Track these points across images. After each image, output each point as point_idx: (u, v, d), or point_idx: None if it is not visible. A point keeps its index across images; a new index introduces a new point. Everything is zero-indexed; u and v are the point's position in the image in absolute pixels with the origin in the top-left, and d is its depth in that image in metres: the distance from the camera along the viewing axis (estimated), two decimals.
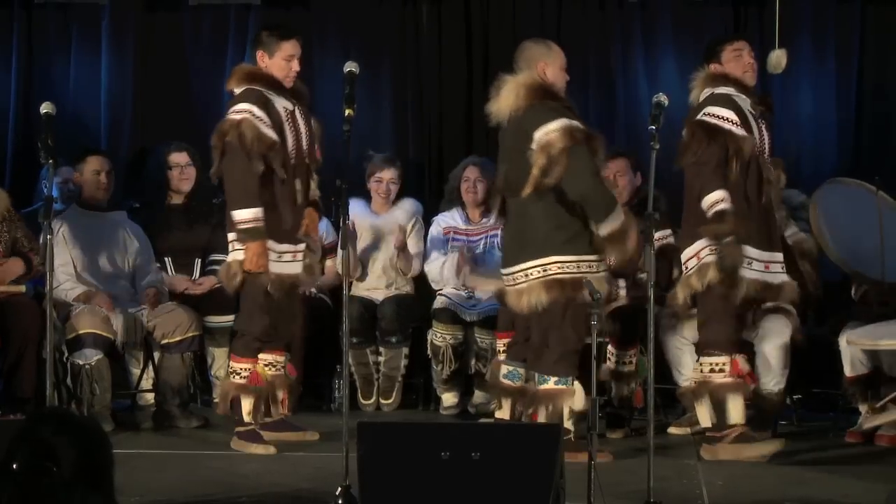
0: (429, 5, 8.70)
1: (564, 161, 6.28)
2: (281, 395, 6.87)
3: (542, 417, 6.41)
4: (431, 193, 8.54)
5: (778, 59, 6.76)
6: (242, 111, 6.51)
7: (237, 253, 6.58)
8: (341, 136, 5.72)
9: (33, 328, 7.08)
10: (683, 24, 8.57)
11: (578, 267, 6.38)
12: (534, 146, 6.35)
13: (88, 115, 8.75)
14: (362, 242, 8.00)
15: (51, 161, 5.99)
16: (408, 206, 8.17)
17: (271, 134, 6.51)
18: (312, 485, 5.99)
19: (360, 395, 7.95)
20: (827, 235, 6.93)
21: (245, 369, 6.70)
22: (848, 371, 6.95)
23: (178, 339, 7.39)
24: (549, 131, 6.33)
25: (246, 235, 6.48)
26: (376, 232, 8.07)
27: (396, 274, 8.10)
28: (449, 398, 7.81)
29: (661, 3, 8.55)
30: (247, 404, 6.68)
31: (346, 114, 5.76)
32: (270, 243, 6.55)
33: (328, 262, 8.06)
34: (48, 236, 5.80)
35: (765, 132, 6.62)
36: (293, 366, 7.02)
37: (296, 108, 6.68)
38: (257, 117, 6.50)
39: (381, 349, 7.96)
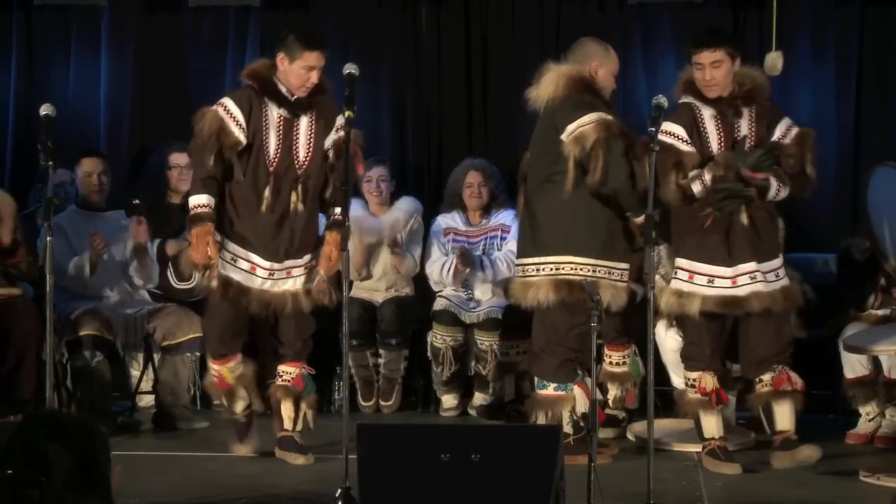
0: (428, 7, 8.71)
1: (601, 153, 6.28)
2: (285, 409, 6.66)
3: (541, 423, 6.40)
4: (431, 195, 8.54)
5: (774, 61, 6.75)
6: (219, 103, 6.43)
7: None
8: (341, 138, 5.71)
9: (33, 330, 7.08)
10: (682, 26, 8.57)
11: (594, 271, 6.37)
12: (564, 137, 6.36)
13: (88, 117, 8.75)
14: (359, 247, 7.99)
15: (50, 163, 5.99)
16: (405, 204, 8.17)
17: (236, 132, 6.36)
18: (312, 486, 5.99)
19: (359, 396, 7.95)
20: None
21: (216, 371, 6.65)
22: (848, 373, 6.95)
23: (178, 340, 7.40)
24: (583, 124, 6.34)
25: (190, 220, 6.39)
26: (376, 233, 8.06)
27: (396, 276, 8.11)
28: (449, 400, 7.81)
29: (660, 4, 8.55)
30: (226, 401, 6.69)
31: (346, 115, 5.75)
32: (237, 249, 6.43)
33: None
34: (48, 237, 5.80)
35: (741, 128, 6.40)
36: (301, 379, 6.74)
37: (298, 118, 6.46)
38: (229, 112, 6.37)
39: (381, 351, 7.96)
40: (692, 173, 6.28)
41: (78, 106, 8.71)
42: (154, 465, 6.50)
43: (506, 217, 8.00)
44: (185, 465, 6.50)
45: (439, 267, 7.96)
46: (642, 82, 8.53)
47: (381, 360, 7.96)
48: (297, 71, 6.39)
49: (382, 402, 7.95)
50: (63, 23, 8.80)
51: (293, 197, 6.46)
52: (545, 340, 6.47)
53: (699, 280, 6.35)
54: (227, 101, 6.43)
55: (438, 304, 7.93)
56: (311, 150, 6.48)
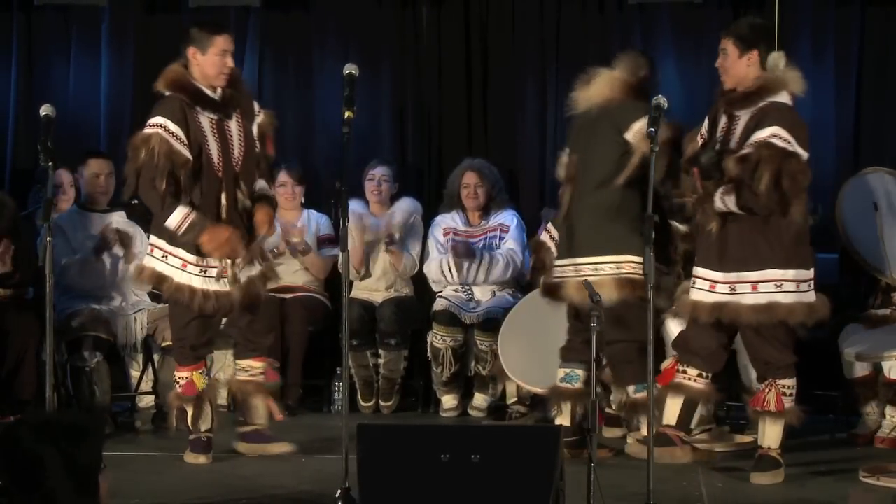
0: (428, 7, 8.71)
1: (666, 152, 6.30)
2: (256, 403, 6.69)
3: (645, 425, 6.40)
4: (431, 195, 8.54)
5: (775, 61, 6.74)
6: (156, 125, 6.33)
7: (149, 259, 6.45)
8: (341, 139, 5.71)
9: (33, 330, 7.08)
10: (682, 27, 8.58)
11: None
12: (630, 136, 6.40)
13: (88, 117, 8.76)
14: (359, 245, 7.99)
15: (50, 163, 5.98)
16: (405, 204, 8.18)
17: (184, 151, 6.32)
18: (312, 487, 5.99)
19: (359, 397, 7.95)
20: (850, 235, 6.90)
21: (183, 378, 6.56)
22: (848, 373, 6.95)
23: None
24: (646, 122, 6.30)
25: (188, 234, 6.31)
26: (376, 233, 8.07)
27: (396, 275, 8.11)
28: (448, 400, 7.81)
29: (660, 5, 8.55)
30: (190, 413, 6.56)
31: (346, 116, 5.73)
32: (186, 254, 6.38)
33: (325, 255, 8.11)
34: (48, 238, 5.80)
35: (736, 128, 6.30)
36: (273, 372, 6.81)
37: (224, 117, 6.47)
38: (171, 133, 6.31)
39: (381, 351, 7.96)
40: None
41: (78, 106, 8.72)
42: (154, 465, 6.50)
43: (505, 217, 8.02)
44: (185, 466, 6.50)
45: (437, 266, 7.97)
46: None
47: (380, 361, 7.96)
48: (212, 59, 6.43)
49: (382, 403, 7.95)
50: (63, 23, 8.80)
51: (239, 195, 6.50)
52: (624, 344, 6.48)
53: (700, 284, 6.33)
54: (165, 122, 6.33)
55: (438, 305, 7.93)
56: (243, 146, 6.53)
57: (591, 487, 4.97)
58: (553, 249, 6.72)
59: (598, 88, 6.55)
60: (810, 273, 6.17)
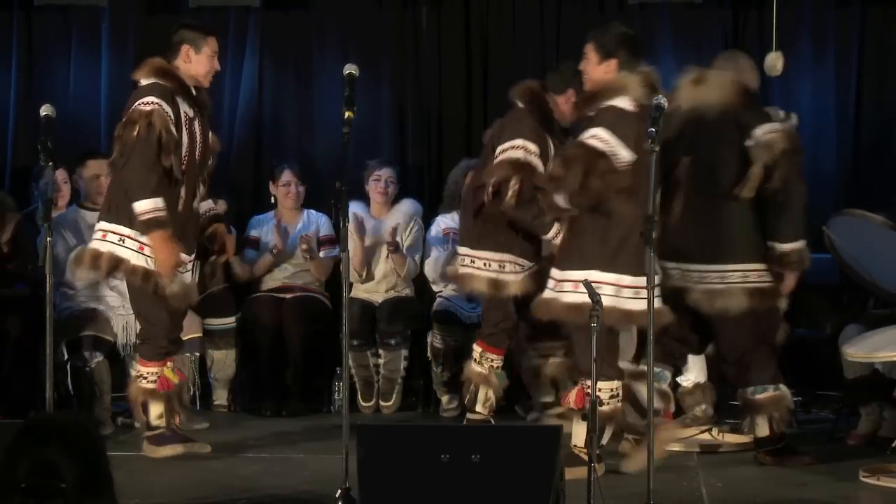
0: (428, 8, 8.71)
1: (784, 165, 6.28)
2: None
3: (763, 427, 6.46)
4: (431, 196, 8.54)
5: (774, 61, 6.75)
6: (152, 103, 6.35)
7: (103, 244, 6.42)
8: (341, 139, 5.71)
9: (33, 330, 7.08)
10: (683, 27, 8.58)
11: (770, 276, 6.40)
12: (752, 142, 6.33)
13: (88, 118, 8.75)
14: (360, 247, 7.99)
15: (50, 163, 5.99)
16: (406, 207, 8.18)
17: (175, 133, 6.37)
18: (312, 487, 5.99)
19: (359, 397, 7.95)
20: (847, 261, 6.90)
21: (152, 373, 6.54)
22: (848, 373, 6.96)
23: (186, 337, 7.39)
24: (772, 130, 6.35)
25: (147, 226, 6.30)
26: (376, 235, 8.07)
27: (397, 278, 8.11)
28: (448, 400, 7.81)
29: (660, 5, 8.55)
30: (156, 409, 6.55)
31: (346, 116, 5.73)
32: (144, 238, 6.37)
33: (326, 256, 8.14)
34: (48, 238, 5.80)
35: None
36: (181, 372, 6.82)
37: (197, 116, 6.52)
38: (167, 113, 6.36)
39: (381, 351, 7.96)
40: None
41: (78, 106, 8.72)
42: (154, 465, 6.50)
43: None
44: (185, 466, 6.49)
45: (433, 263, 7.96)
46: None
47: (381, 361, 7.96)
48: (205, 59, 6.50)
49: (382, 403, 7.95)
50: (63, 23, 8.80)
51: (200, 191, 6.56)
52: (747, 346, 6.46)
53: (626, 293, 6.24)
54: (160, 101, 6.36)
55: (438, 305, 7.93)
56: (203, 147, 6.57)
57: (591, 487, 4.97)
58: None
59: (715, 90, 6.49)
60: (637, 280, 5.95)
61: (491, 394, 6.97)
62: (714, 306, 6.37)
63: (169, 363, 6.61)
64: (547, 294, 6.21)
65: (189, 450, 6.62)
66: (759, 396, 6.49)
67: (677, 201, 6.47)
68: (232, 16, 8.73)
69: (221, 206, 7.12)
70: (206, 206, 6.77)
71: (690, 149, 6.49)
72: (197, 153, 6.53)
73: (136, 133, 6.31)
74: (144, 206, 6.30)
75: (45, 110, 6.07)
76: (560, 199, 6.12)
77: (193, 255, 6.65)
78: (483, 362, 6.96)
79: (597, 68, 6.23)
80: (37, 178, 7.72)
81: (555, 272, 6.20)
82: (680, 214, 6.44)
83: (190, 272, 6.61)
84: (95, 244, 6.47)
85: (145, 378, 6.56)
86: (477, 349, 7.00)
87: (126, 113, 6.43)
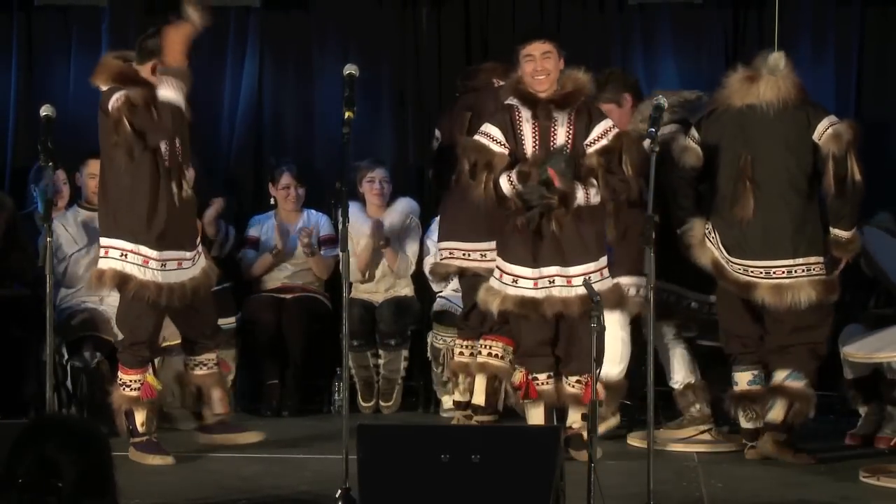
0: (428, 8, 8.70)
1: (851, 155, 6.43)
2: (217, 394, 6.76)
3: (779, 412, 6.54)
4: (431, 195, 8.53)
5: (776, 61, 6.75)
6: (121, 92, 6.30)
7: (106, 262, 6.43)
8: (341, 139, 5.72)
9: (33, 330, 7.08)
10: (683, 27, 8.57)
11: (826, 269, 6.54)
12: (819, 136, 6.47)
13: (88, 118, 8.70)
14: (361, 246, 7.99)
15: (50, 163, 5.99)
16: (402, 205, 8.17)
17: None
18: (312, 487, 5.99)
19: (359, 397, 7.95)
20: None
21: (135, 381, 6.55)
22: (848, 374, 6.96)
23: (178, 341, 7.38)
24: (835, 122, 6.51)
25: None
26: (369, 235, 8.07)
27: (396, 278, 8.11)
28: (449, 400, 7.81)
29: (660, 5, 8.54)
30: (140, 416, 6.54)
31: (346, 116, 5.74)
32: (148, 251, 6.39)
33: (326, 256, 8.11)
34: (48, 238, 5.80)
35: (557, 139, 6.42)
36: (226, 362, 6.90)
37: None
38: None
39: (381, 351, 7.96)
40: (504, 174, 6.37)
41: (78, 106, 8.69)
42: (154, 465, 6.49)
43: None
44: (185, 466, 6.50)
45: (430, 260, 7.96)
46: (643, 83, 8.49)
47: (381, 361, 7.96)
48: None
49: (382, 403, 7.95)
50: (63, 23, 8.79)
51: (185, 185, 6.53)
52: (798, 335, 6.58)
53: (506, 279, 6.47)
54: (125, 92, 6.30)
55: (438, 305, 7.93)
56: (180, 136, 6.52)
57: (591, 487, 4.97)
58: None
59: (772, 87, 6.56)
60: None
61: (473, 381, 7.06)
62: (785, 301, 6.46)
63: (150, 370, 6.63)
64: (555, 291, 6.40)
65: (237, 441, 6.74)
66: (790, 383, 6.56)
67: (747, 198, 6.55)
68: (232, 16, 8.72)
69: (219, 203, 7.10)
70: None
71: (750, 146, 6.57)
72: (177, 146, 6.48)
73: (127, 129, 6.28)
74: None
75: (45, 110, 6.07)
76: (592, 195, 6.38)
77: (198, 241, 6.66)
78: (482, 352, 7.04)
79: (557, 68, 6.49)
80: (36, 179, 7.73)
81: (549, 269, 6.40)
82: (753, 211, 6.53)
83: (195, 263, 6.57)
84: (99, 262, 6.48)
85: (128, 386, 6.56)
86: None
87: (102, 120, 6.39)
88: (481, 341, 7.05)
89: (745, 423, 6.68)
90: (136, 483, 5.87)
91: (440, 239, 7.26)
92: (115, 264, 6.40)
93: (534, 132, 6.45)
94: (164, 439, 6.73)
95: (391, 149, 8.65)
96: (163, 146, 6.40)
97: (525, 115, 6.46)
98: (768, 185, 6.53)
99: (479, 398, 7.02)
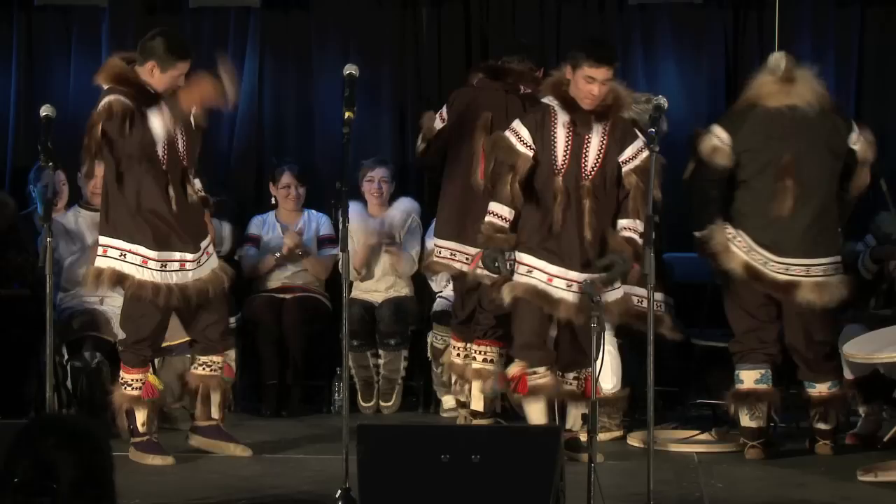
0: (428, 8, 8.70)
1: (875, 165, 6.67)
2: (215, 398, 6.74)
3: (833, 418, 6.72)
4: (431, 195, 8.53)
5: (777, 61, 6.76)
6: (109, 97, 6.32)
7: (103, 260, 6.44)
8: (341, 139, 5.72)
9: (33, 331, 7.08)
10: (683, 27, 8.58)
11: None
12: (855, 143, 6.65)
13: (88, 118, 8.73)
14: (362, 246, 7.99)
15: (50, 163, 5.99)
16: (403, 205, 8.17)
17: (127, 125, 6.30)
18: (312, 487, 5.99)
19: (359, 397, 7.95)
20: None
21: (137, 380, 6.55)
22: (848, 374, 6.95)
23: (178, 341, 7.38)
24: (863, 131, 6.69)
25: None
26: (375, 235, 8.07)
27: (396, 276, 8.11)
28: (449, 401, 7.80)
29: (660, 5, 8.54)
30: (140, 415, 6.54)
31: (346, 116, 5.74)
32: (147, 251, 6.39)
33: (326, 255, 8.11)
34: (48, 238, 5.81)
35: (590, 151, 6.39)
36: (230, 368, 6.86)
37: (167, 112, 6.39)
38: (126, 104, 6.29)
39: (381, 351, 7.96)
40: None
41: (78, 107, 8.68)
42: (154, 465, 6.49)
43: None
44: (185, 466, 6.50)
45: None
46: (642, 83, 8.50)
47: (380, 361, 7.96)
48: (168, 80, 6.41)
49: (382, 403, 7.95)
50: (63, 23, 8.79)
51: (189, 189, 6.52)
52: (826, 337, 6.70)
53: (521, 269, 6.43)
54: (118, 97, 6.29)
55: (438, 305, 7.93)
56: (186, 140, 6.51)
57: (591, 487, 4.97)
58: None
59: (809, 90, 6.64)
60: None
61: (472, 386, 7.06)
62: (824, 299, 6.56)
63: (150, 369, 6.63)
64: (559, 293, 6.37)
65: (221, 450, 6.68)
66: (834, 391, 6.70)
67: (786, 197, 6.60)
68: (232, 16, 8.72)
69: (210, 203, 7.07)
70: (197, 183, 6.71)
71: (792, 146, 6.62)
72: (180, 148, 6.47)
73: (104, 131, 6.29)
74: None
75: (45, 110, 6.06)
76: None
77: (206, 243, 6.62)
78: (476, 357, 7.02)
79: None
80: (36, 179, 7.73)
81: (543, 264, 6.40)
82: (791, 210, 6.60)
83: (201, 264, 6.55)
84: (97, 261, 6.49)
85: (130, 385, 6.56)
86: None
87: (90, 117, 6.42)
88: (474, 346, 7.03)
89: (748, 422, 6.68)
90: (136, 483, 5.87)
91: (436, 235, 7.24)
92: (113, 263, 6.41)
93: (567, 139, 6.40)
94: (165, 439, 6.74)
95: (391, 149, 8.65)
96: (160, 150, 6.39)
97: (562, 118, 6.41)
98: (810, 185, 6.61)
99: (477, 404, 7.02)
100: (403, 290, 8.16)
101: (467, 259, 6.98)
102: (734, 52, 8.51)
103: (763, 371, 6.68)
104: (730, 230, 6.67)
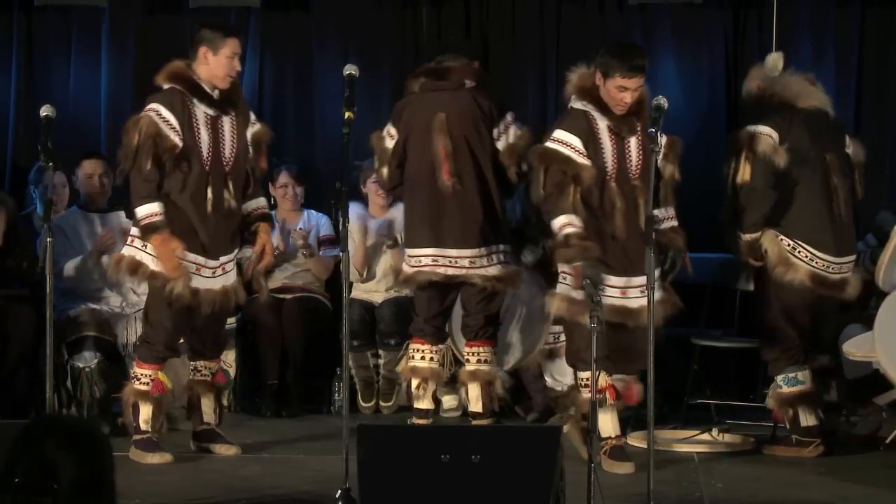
0: (428, 8, 8.70)
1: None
2: (205, 402, 6.74)
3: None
4: None
5: (775, 62, 6.76)
6: (149, 110, 6.42)
7: (128, 249, 6.53)
8: (341, 139, 5.72)
9: (32, 331, 7.08)
10: (683, 27, 8.58)
11: None
12: (847, 146, 6.85)
13: (88, 118, 8.75)
14: (361, 246, 7.99)
15: (50, 164, 5.99)
16: None
17: (173, 137, 6.38)
18: (312, 487, 6.00)
19: (359, 397, 7.95)
20: None
21: (147, 376, 6.57)
22: (847, 373, 6.96)
23: (178, 341, 7.39)
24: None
25: (145, 231, 6.39)
26: (377, 236, 8.07)
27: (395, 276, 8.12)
28: (449, 401, 7.81)
29: (660, 5, 8.55)
30: (145, 412, 6.56)
31: (346, 117, 5.74)
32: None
33: (324, 256, 8.13)
34: (48, 238, 5.81)
35: (631, 151, 6.38)
36: (223, 374, 6.89)
37: (222, 115, 6.52)
38: (162, 118, 6.38)
39: (381, 351, 7.96)
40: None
41: (78, 107, 8.71)
42: (154, 465, 6.50)
43: None
44: (185, 466, 6.50)
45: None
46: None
47: (381, 361, 7.97)
48: (223, 60, 6.48)
49: (382, 403, 7.95)
50: (63, 23, 8.79)
51: (226, 195, 6.52)
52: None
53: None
54: (158, 107, 6.42)
55: None
56: (235, 146, 6.56)
57: (591, 487, 4.97)
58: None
59: (823, 95, 6.85)
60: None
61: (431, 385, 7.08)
62: (848, 294, 6.74)
63: (164, 367, 6.63)
64: (637, 302, 6.32)
65: (215, 450, 6.71)
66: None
67: (840, 197, 6.73)
68: (232, 16, 8.72)
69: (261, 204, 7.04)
70: (255, 204, 6.75)
71: (828, 146, 6.77)
72: (225, 152, 6.51)
73: (131, 142, 6.38)
74: (141, 213, 6.41)
75: (45, 110, 6.07)
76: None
77: (227, 259, 6.60)
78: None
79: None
80: (36, 179, 7.73)
81: (613, 279, 6.38)
82: (844, 210, 6.76)
83: (214, 276, 6.55)
84: (123, 249, 6.61)
85: (139, 379, 6.59)
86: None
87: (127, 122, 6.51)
88: (467, 348, 7.02)
89: (810, 422, 6.70)
90: (136, 483, 5.87)
91: (409, 246, 7.02)
92: (134, 252, 6.49)
93: (613, 143, 6.37)
94: (164, 439, 6.74)
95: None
96: (205, 149, 6.45)
97: (601, 123, 6.37)
98: (843, 186, 6.77)
99: (475, 406, 7.01)
100: (404, 290, 8.15)
101: (450, 262, 6.90)
102: (734, 52, 8.51)
103: (809, 369, 6.75)
104: (784, 240, 6.67)
